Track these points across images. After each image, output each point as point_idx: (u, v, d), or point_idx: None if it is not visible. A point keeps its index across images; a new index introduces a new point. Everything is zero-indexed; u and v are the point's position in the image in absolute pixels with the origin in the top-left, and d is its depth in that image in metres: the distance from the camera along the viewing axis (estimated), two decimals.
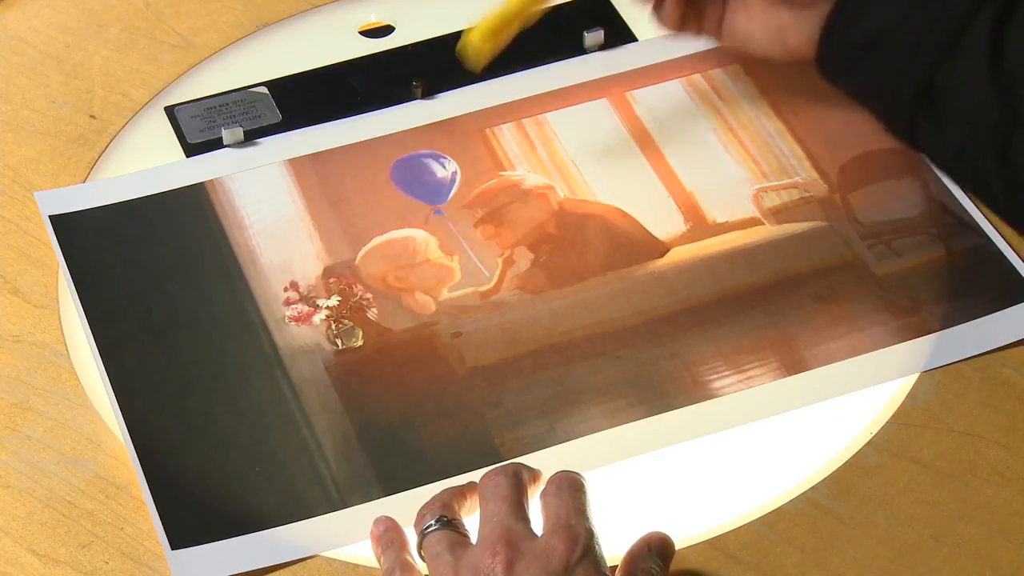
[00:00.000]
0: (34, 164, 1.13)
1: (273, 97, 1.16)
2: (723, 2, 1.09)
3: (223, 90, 1.16)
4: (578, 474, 0.91)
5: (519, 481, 0.90)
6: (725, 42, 1.11)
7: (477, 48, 1.09)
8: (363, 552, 0.93)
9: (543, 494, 0.90)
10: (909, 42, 1.00)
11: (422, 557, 0.89)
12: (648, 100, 1.16)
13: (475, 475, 0.94)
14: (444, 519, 0.89)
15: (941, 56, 0.99)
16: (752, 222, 1.09)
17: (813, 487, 0.96)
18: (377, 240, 1.08)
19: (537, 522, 0.89)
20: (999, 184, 0.98)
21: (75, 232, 1.08)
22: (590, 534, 0.87)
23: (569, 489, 0.90)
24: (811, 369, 1.01)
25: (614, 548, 0.89)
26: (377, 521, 0.92)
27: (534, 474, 0.93)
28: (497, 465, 0.92)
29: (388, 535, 0.91)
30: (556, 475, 0.91)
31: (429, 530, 0.89)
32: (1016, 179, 0.98)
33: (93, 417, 0.99)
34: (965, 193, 1.10)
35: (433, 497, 0.91)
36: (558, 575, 0.85)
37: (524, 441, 0.98)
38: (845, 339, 1.02)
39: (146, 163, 1.12)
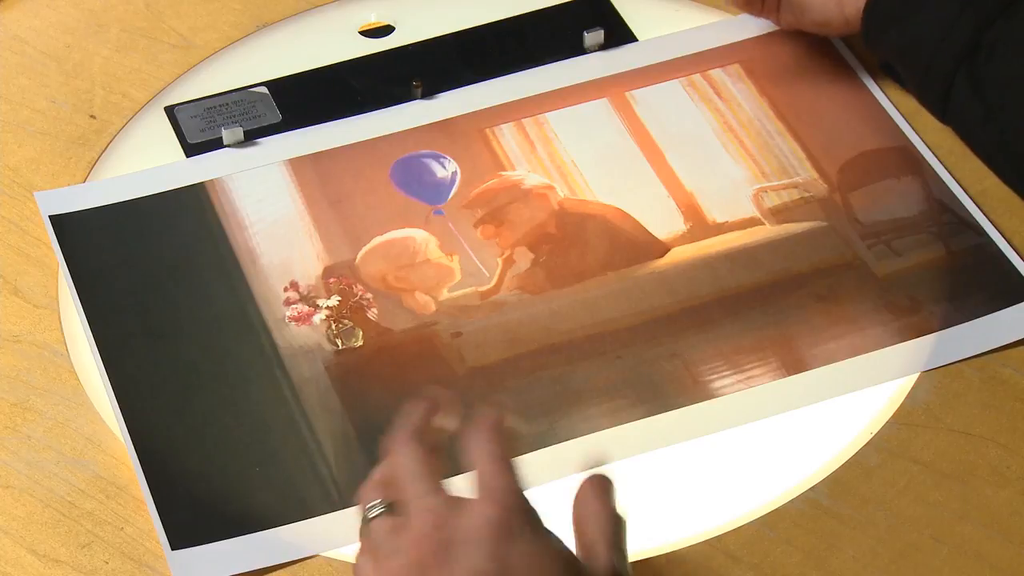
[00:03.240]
0: (34, 164, 1.13)
1: (273, 97, 1.16)
2: None
3: (223, 90, 1.16)
4: (494, 409, 0.84)
5: (417, 448, 0.83)
6: (783, 18, 1.14)
7: None
8: None
9: (464, 440, 0.83)
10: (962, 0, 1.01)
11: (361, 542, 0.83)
12: (648, 100, 1.16)
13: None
14: (387, 503, 0.83)
15: (992, 15, 1.00)
16: (752, 222, 1.09)
17: (813, 487, 0.96)
18: (377, 240, 1.08)
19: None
20: None
21: (75, 232, 1.08)
22: (515, 492, 0.80)
23: (484, 437, 0.82)
24: (811, 369, 1.01)
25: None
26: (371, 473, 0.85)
27: (434, 410, 0.85)
28: (401, 429, 0.84)
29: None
30: (476, 416, 0.84)
31: (372, 517, 0.83)
32: None
33: (93, 417, 0.99)
34: (985, 163, 1.09)
35: (371, 478, 0.84)
36: (494, 554, 0.78)
37: (524, 441, 0.97)
38: (845, 339, 1.02)
39: (146, 163, 1.12)
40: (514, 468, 0.81)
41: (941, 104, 1.08)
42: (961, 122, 1.09)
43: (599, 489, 0.83)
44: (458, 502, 0.81)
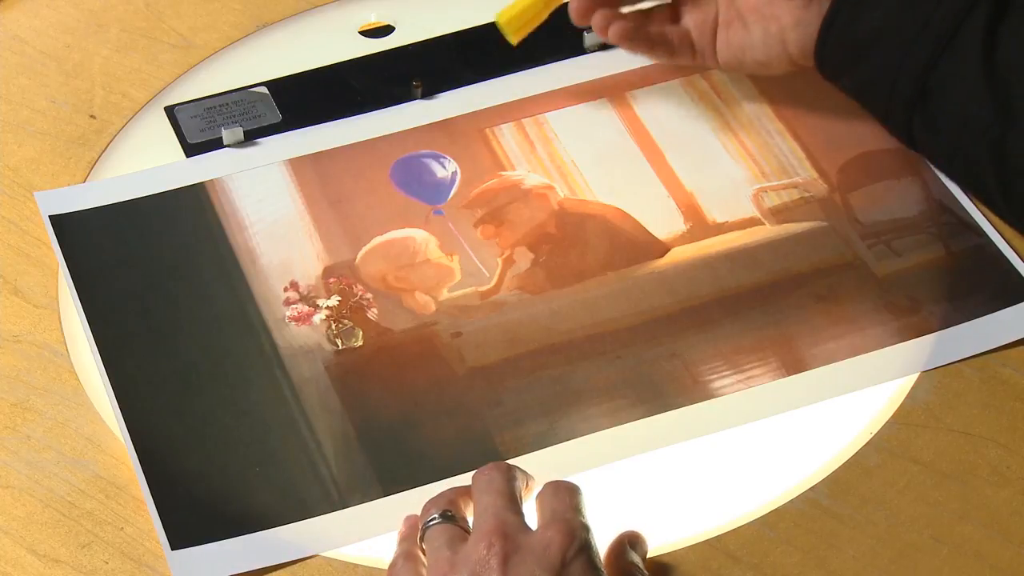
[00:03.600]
0: (34, 164, 1.13)
1: (273, 97, 1.16)
2: (712, 22, 1.09)
3: (223, 90, 1.16)
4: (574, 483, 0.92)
5: (513, 476, 0.91)
6: (722, 60, 1.10)
7: (507, 31, 1.10)
8: (363, 552, 0.93)
9: (539, 495, 0.90)
10: (904, 41, 1.00)
11: (423, 550, 0.89)
12: (648, 100, 1.16)
13: None
14: (448, 514, 0.89)
15: (935, 56, 0.99)
16: (752, 222, 1.09)
17: (813, 487, 0.96)
18: (377, 240, 1.08)
19: (532, 520, 0.89)
20: (995, 183, 0.99)
21: (75, 232, 1.08)
22: (587, 529, 0.87)
23: (567, 490, 0.90)
24: (811, 369, 1.01)
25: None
26: (406, 519, 0.93)
27: (527, 476, 0.93)
28: (491, 463, 0.92)
29: (409, 532, 0.92)
30: (552, 481, 0.91)
31: (431, 524, 0.89)
32: (1011, 178, 0.98)
33: (93, 417, 0.99)
34: (965, 192, 1.10)
35: (439, 493, 0.92)
36: (555, 569, 0.84)
37: (524, 441, 0.98)
38: (845, 339, 1.02)
39: (146, 163, 1.12)
40: (583, 510, 0.88)
41: (909, 142, 1.06)
42: (931, 157, 1.07)
43: (633, 540, 0.91)
44: (527, 526, 0.87)
